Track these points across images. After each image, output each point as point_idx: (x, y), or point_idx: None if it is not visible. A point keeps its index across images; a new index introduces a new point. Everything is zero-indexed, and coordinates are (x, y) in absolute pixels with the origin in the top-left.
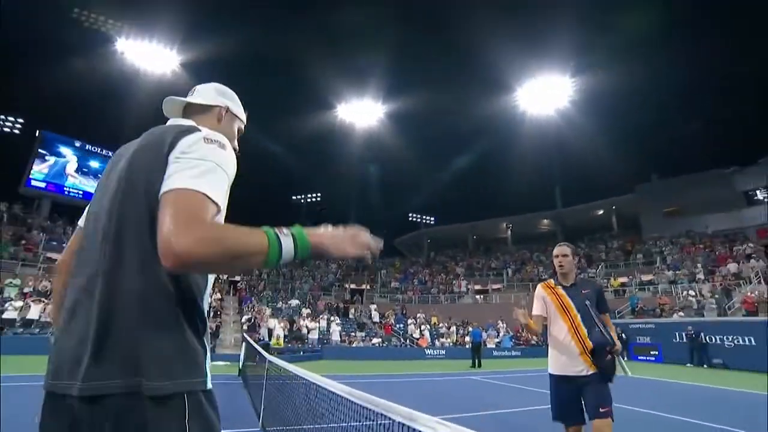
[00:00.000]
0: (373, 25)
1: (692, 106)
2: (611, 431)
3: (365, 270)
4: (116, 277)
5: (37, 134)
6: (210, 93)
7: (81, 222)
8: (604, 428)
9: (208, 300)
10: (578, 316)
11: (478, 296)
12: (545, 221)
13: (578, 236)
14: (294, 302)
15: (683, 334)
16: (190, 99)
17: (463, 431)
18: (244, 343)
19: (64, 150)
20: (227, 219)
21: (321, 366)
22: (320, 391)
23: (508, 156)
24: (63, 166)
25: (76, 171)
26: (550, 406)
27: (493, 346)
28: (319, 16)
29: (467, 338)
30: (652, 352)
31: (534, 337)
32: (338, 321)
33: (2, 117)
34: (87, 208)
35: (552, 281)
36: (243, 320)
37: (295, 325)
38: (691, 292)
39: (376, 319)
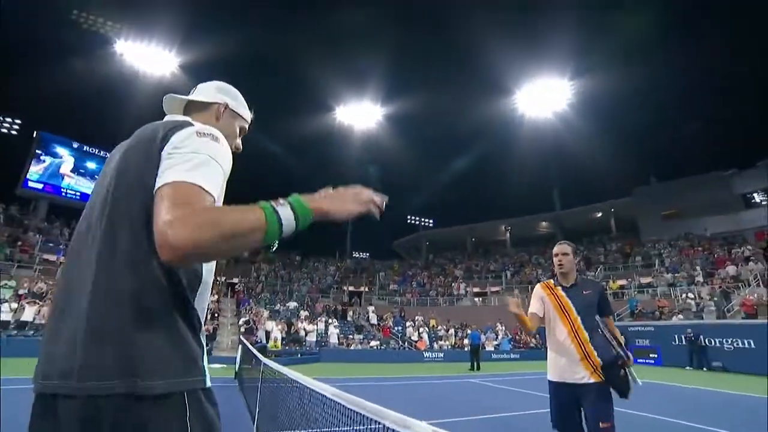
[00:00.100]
0: (372, 27)
1: (690, 108)
2: None
3: (364, 272)
4: (107, 275)
5: (34, 135)
6: (210, 90)
7: None
8: None
9: (207, 299)
10: (578, 319)
11: (476, 299)
12: (544, 224)
13: (577, 239)
14: (292, 304)
15: (682, 337)
16: (190, 96)
17: None
18: (240, 346)
19: (61, 151)
20: None
21: (318, 369)
22: (313, 395)
23: (506, 158)
24: (58, 167)
25: (73, 171)
26: (549, 407)
27: (492, 348)
28: (319, 18)
29: (466, 341)
30: (651, 355)
31: (533, 340)
32: (336, 323)
33: (0, 118)
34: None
35: (552, 281)
36: (240, 322)
37: (292, 328)
38: (690, 295)
39: (374, 321)
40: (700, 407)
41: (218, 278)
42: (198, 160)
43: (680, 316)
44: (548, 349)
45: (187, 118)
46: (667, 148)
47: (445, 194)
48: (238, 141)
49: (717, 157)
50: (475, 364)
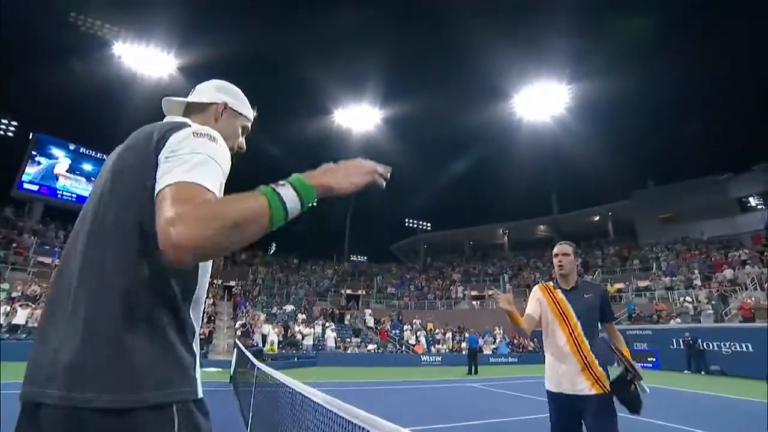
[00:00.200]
0: (371, 30)
1: (687, 112)
2: None
3: (361, 275)
4: (97, 280)
5: (30, 136)
6: (208, 90)
7: None
8: None
9: (202, 304)
10: (579, 325)
11: (474, 302)
12: (542, 227)
13: (575, 242)
14: (289, 308)
15: (680, 341)
16: (188, 99)
17: None
18: (235, 349)
19: (57, 152)
20: None
21: (315, 373)
22: (305, 401)
23: (504, 162)
24: (53, 167)
25: (69, 173)
26: (548, 416)
27: (490, 352)
28: (318, 21)
29: (464, 344)
30: (649, 359)
31: (531, 343)
32: (333, 327)
33: None
34: None
35: (551, 284)
36: (237, 326)
37: (289, 331)
38: (688, 299)
39: (372, 324)
40: (699, 412)
41: (215, 281)
42: (197, 160)
43: (678, 320)
44: (546, 356)
45: (186, 120)
46: (664, 152)
47: (443, 197)
48: (241, 140)
49: (713, 160)
50: (473, 367)
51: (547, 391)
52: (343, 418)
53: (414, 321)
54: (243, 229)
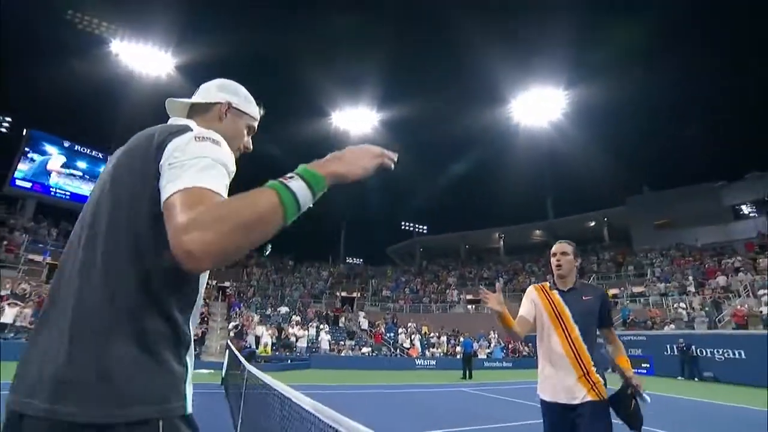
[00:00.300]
0: (369, 33)
1: (683, 118)
2: None
3: (357, 278)
4: (89, 288)
5: (24, 133)
6: (211, 90)
7: None
8: None
9: (198, 312)
10: (575, 329)
11: (469, 306)
12: (538, 232)
13: None
14: (283, 309)
15: (674, 347)
16: (192, 99)
17: None
18: (227, 351)
19: (51, 149)
20: None
21: (309, 375)
22: (293, 406)
23: (501, 166)
24: (45, 163)
25: (63, 170)
26: (542, 421)
27: (485, 356)
28: (316, 22)
29: (458, 348)
30: (643, 365)
31: (525, 348)
32: (328, 329)
33: None
34: None
35: (547, 284)
36: (230, 327)
37: (283, 333)
38: (682, 305)
39: (366, 327)
40: (696, 419)
41: (209, 282)
42: (202, 164)
43: (672, 326)
44: (540, 361)
45: (188, 122)
46: (659, 158)
47: (439, 201)
48: (247, 140)
49: (707, 168)
50: (468, 372)
51: (541, 401)
52: (331, 427)
53: (409, 324)
54: (257, 228)
